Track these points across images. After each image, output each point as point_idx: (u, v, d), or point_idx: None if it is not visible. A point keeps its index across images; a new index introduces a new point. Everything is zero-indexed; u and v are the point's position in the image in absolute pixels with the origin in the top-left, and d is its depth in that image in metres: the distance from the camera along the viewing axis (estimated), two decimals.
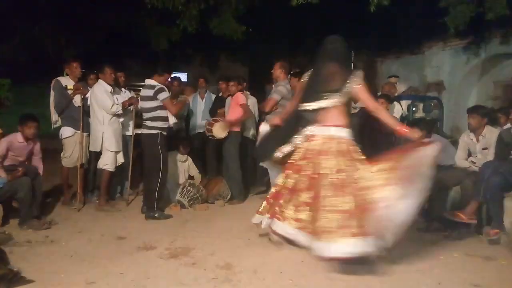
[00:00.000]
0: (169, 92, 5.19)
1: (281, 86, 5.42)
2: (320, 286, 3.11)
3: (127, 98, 5.40)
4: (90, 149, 5.33)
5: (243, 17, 8.35)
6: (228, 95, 6.30)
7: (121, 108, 5.16)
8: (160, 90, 4.87)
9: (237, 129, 5.70)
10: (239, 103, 5.68)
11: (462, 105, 7.39)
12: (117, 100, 5.25)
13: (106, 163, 5.16)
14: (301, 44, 10.95)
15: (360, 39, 9.65)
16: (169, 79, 5.58)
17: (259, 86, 6.87)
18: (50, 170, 5.52)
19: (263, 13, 8.96)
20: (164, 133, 5.00)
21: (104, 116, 5.11)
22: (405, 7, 7.57)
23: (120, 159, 5.32)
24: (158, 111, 4.93)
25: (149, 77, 5.02)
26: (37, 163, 4.89)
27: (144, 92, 4.99)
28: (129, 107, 5.27)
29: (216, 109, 6.29)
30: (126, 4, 8.87)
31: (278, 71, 5.49)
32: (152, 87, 4.90)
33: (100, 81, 5.17)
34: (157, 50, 9.51)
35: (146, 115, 4.99)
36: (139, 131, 5.29)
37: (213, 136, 5.64)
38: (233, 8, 8.14)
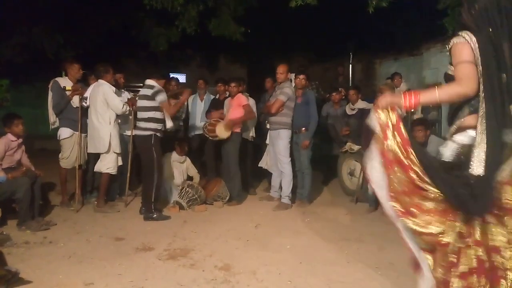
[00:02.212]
0: (167, 93, 5.17)
1: (287, 88, 5.45)
2: (318, 287, 3.10)
3: (125, 99, 5.40)
4: (90, 151, 5.27)
5: (242, 18, 8.37)
6: (225, 97, 6.31)
7: (128, 108, 5.16)
8: (159, 92, 4.90)
9: (237, 130, 5.71)
10: (242, 104, 5.68)
11: None
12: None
13: (110, 166, 5.13)
14: (300, 45, 10.98)
15: (358, 40, 9.68)
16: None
17: (258, 87, 6.88)
18: (48, 171, 5.50)
19: (262, 14, 8.97)
20: (158, 134, 4.99)
21: (110, 117, 5.10)
22: (403, 9, 7.59)
23: (120, 161, 5.31)
24: (154, 112, 4.93)
25: (149, 77, 5.05)
26: (27, 161, 4.90)
27: (143, 92, 5.02)
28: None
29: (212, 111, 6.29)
30: (125, 5, 8.87)
31: (284, 74, 5.51)
32: (151, 87, 4.93)
33: (102, 81, 5.12)
34: (156, 51, 9.50)
35: (140, 115, 5.00)
36: (134, 132, 5.28)
37: (213, 137, 5.63)
38: (232, 9, 8.16)
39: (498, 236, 1.97)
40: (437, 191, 2.05)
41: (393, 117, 2.17)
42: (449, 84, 2.16)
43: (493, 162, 1.99)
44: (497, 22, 2.07)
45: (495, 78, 2.05)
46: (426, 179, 2.07)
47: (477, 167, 2.01)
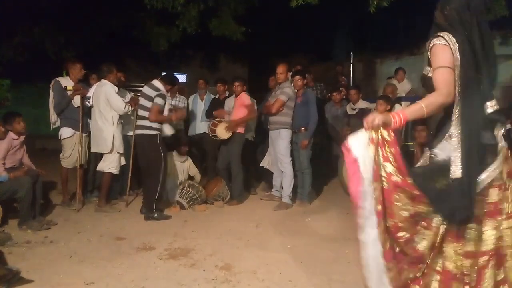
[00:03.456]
0: (168, 93, 5.17)
1: (287, 88, 5.46)
2: (319, 287, 3.10)
3: (127, 99, 5.40)
4: (94, 151, 5.27)
5: (242, 18, 8.36)
6: (225, 97, 6.31)
7: (130, 109, 5.15)
8: (160, 96, 4.89)
9: (241, 130, 5.70)
10: (245, 103, 5.68)
11: None
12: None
13: (112, 166, 5.14)
14: (301, 44, 10.97)
15: (359, 39, 9.68)
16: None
17: (258, 87, 6.88)
18: (50, 171, 5.52)
19: (263, 14, 8.97)
20: (162, 134, 5.01)
21: (113, 117, 5.10)
22: (404, 8, 7.60)
23: (123, 161, 5.31)
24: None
25: (157, 78, 5.07)
26: (28, 161, 4.93)
27: (147, 91, 4.98)
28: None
29: (212, 111, 6.29)
30: (126, 5, 8.87)
31: (284, 74, 5.51)
32: (156, 89, 4.93)
33: (105, 81, 5.12)
34: (156, 50, 9.50)
35: (144, 114, 4.95)
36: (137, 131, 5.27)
37: (216, 137, 5.64)
38: (233, 9, 8.15)
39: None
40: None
41: (385, 134, 2.07)
42: (431, 96, 2.09)
43: (471, 165, 1.95)
44: (469, 22, 2.04)
45: (474, 80, 2.02)
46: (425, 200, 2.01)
47: (455, 170, 1.97)
